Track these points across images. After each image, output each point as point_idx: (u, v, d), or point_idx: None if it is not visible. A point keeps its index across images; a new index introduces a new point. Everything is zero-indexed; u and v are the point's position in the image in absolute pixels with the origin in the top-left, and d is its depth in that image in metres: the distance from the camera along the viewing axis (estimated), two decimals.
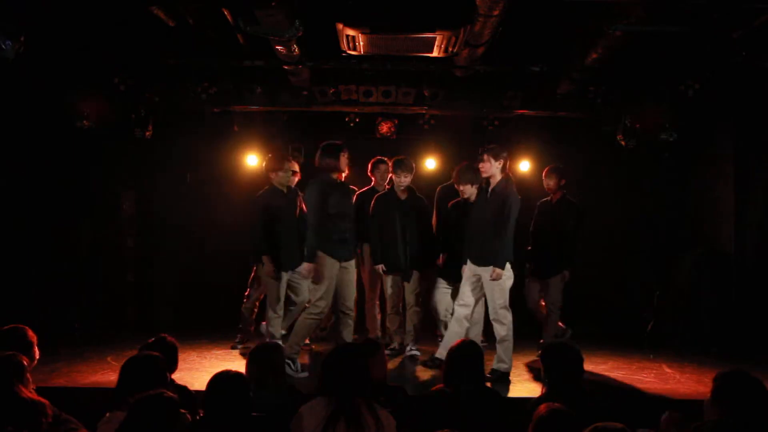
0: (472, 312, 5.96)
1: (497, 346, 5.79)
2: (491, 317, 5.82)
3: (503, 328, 5.72)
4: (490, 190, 5.84)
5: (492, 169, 5.78)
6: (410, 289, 6.63)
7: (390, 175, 6.70)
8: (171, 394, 2.97)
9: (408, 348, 6.59)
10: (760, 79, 6.28)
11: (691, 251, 7.60)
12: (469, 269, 5.86)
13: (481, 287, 5.84)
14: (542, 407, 2.90)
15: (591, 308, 7.94)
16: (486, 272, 5.71)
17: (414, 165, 6.71)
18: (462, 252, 5.99)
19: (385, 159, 6.87)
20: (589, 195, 8.33)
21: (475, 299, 5.91)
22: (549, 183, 6.74)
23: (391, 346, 6.63)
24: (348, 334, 5.95)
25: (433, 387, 3.87)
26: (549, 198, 6.84)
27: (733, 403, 2.87)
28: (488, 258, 5.71)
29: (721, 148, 7.57)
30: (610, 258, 8.33)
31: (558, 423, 2.80)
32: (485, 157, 5.79)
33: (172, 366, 4.01)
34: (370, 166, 6.91)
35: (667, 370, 6.10)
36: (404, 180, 6.55)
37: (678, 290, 7.50)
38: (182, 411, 3.33)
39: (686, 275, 7.46)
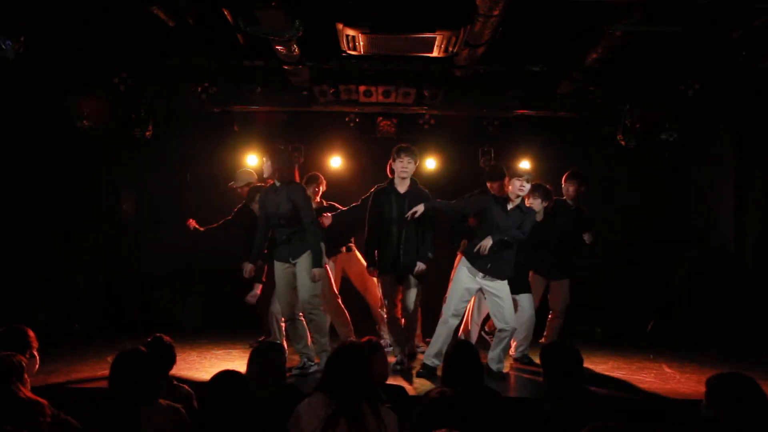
0: None
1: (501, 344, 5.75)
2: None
3: None
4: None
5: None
6: (407, 296, 6.03)
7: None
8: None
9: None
10: (760, 79, 6.28)
11: (691, 251, 7.59)
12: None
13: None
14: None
15: (591, 308, 7.95)
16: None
17: (418, 152, 6.17)
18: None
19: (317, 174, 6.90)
20: (588, 195, 8.33)
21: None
22: (569, 188, 6.72)
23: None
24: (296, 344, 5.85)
25: (431, 387, 3.86)
26: (564, 201, 6.75)
27: (728, 404, 2.90)
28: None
29: (721, 148, 7.57)
30: (610, 258, 8.31)
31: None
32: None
33: (170, 364, 4.01)
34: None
35: (667, 370, 6.10)
36: (407, 166, 5.90)
37: (678, 290, 7.50)
38: (181, 410, 3.35)
39: (686, 275, 7.46)
